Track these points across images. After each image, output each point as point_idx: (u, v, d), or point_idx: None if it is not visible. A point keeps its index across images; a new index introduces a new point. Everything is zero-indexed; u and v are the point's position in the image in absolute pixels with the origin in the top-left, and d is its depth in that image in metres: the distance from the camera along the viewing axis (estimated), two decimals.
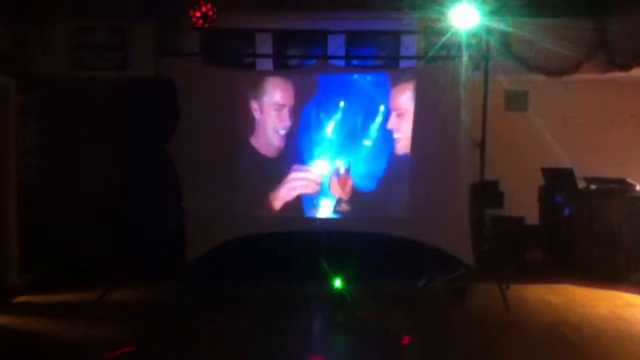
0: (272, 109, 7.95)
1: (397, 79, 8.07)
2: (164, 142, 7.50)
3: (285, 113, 7.95)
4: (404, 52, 8.59)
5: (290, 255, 8.12)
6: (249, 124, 7.99)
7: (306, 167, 8.02)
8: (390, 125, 7.96)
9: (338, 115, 7.99)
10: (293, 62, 9.08)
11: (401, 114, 7.98)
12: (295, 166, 8.02)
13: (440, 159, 7.74)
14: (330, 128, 7.99)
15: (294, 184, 8.00)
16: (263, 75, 8.42)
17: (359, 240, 8.01)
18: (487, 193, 8.15)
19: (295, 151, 8.05)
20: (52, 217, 8.65)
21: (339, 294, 7.44)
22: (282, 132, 8.00)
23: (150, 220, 7.81)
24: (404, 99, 7.98)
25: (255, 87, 8.01)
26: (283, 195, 8.02)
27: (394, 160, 8.00)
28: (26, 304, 7.41)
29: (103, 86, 8.84)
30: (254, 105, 7.95)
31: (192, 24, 8.22)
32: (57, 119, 8.82)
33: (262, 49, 8.62)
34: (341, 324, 6.91)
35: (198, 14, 8.17)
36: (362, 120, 8.00)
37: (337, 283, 7.54)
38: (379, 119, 7.97)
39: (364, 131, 8.00)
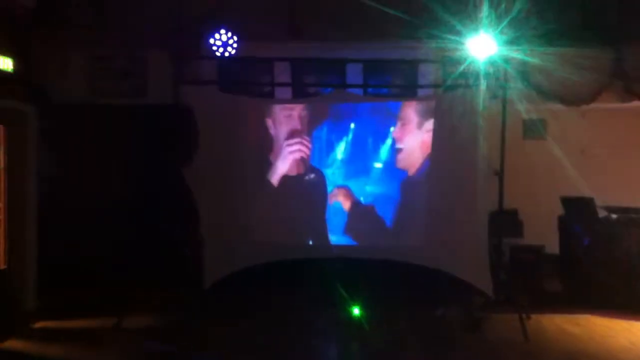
0: (282, 116, 8.06)
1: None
2: (181, 167, 7.53)
3: (295, 118, 8.01)
4: (421, 80, 8.62)
5: (306, 282, 8.10)
6: (267, 144, 8.06)
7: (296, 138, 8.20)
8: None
9: (349, 137, 8.16)
10: (311, 90, 9.15)
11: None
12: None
13: (458, 186, 7.73)
14: (340, 149, 8.14)
15: (288, 149, 8.18)
16: (281, 103, 8.50)
17: (376, 267, 7.99)
18: (506, 222, 8.11)
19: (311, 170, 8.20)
20: (69, 241, 8.68)
21: (355, 322, 7.39)
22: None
23: (168, 246, 7.83)
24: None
25: (267, 108, 8.23)
26: (281, 167, 8.18)
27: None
28: (44, 329, 7.42)
29: (121, 112, 8.93)
30: (270, 122, 8.05)
31: (212, 52, 8.32)
32: (75, 144, 8.92)
33: (280, 77, 8.70)
34: (357, 353, 6.87)
35: (218, 43, 8.27)
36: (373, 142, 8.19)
37: (356, 311, 7.50)
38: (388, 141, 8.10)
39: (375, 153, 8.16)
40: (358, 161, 8.17)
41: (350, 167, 8.17)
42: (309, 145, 8.15)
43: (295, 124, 8.13)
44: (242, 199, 8.01)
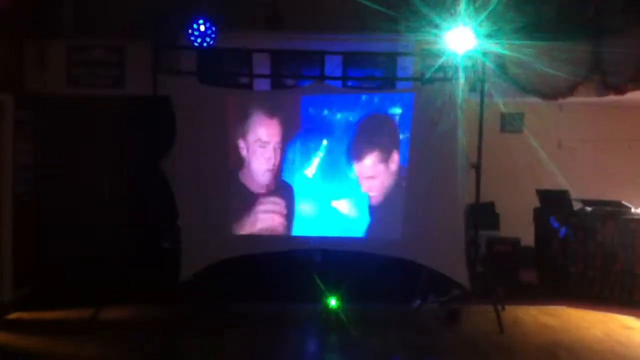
0: (257, 145, 7.96)
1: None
2: (159, 159, 7.49)
3: (270, 150, 7.96)
4: (400, 73, 8.62)
5: (284, 275, 8.09)
6: (237, 159, 7.99)
7: (273, 197, 8.02)
8: None
9: (321, 152, 8.04)
10: (290, 82, 9.10)
11: None
12: (262, 198, 8.00)
13: (436, 180, 7.75)
14: (314, 164, 8.03)
15: (258, 215, 7.99)
16: (258, 94, 8.46)
17: (354, 260, 7.99)
18: (483, 214, 8.16)
19: (281, 186, 8.06)
20: (45, 233, 8.62)
21: (333, 314, 7.41)
22: (269, 169, 7.99)
23: (145, 238, 7.79)
24: None
25: (241, 125, 7.99)
26: (247, 227, 8.00)
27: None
28: (19, 321, 7.38)
29: (99, 103, 8.85)
30: (241, 143, 7.95)
31: (190, 42, 8.26)
32: (52, 135, 8.82)
33: (259, 69, 8.66)
34: (335, 345, 6.89)
35: (197, 33, 8.22)
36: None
37: (332, 302, 7.51)
38: None
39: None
40: (332, 173, 8.10)
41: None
42: (283, 214, 8.00)
43: (270, 165, 7.97)
44: (218, 191, 7.95)
